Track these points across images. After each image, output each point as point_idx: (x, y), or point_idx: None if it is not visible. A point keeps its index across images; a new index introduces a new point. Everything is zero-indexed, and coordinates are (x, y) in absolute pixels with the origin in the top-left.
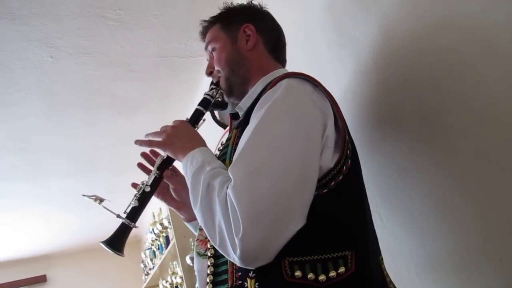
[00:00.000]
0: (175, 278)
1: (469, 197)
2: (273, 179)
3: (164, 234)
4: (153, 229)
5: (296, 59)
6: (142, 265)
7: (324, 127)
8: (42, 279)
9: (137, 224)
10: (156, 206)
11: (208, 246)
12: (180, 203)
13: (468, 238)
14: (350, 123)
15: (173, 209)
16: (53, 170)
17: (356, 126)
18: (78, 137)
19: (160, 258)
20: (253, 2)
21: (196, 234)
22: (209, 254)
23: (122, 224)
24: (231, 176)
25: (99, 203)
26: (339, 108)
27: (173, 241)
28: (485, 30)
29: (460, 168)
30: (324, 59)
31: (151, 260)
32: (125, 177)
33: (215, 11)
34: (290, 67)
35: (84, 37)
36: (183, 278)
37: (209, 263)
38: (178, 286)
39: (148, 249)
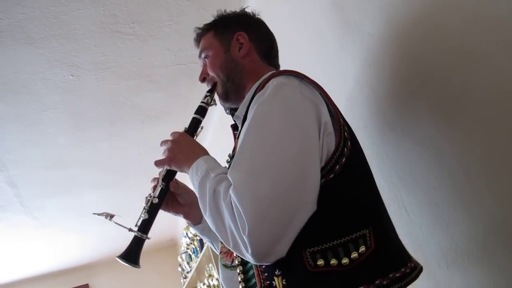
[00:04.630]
0: (212, 280)
1: (495, 187)
2: (273, 176)
3: (198, 238)
4: (187, 233)
5: (306, 57)
6: (179, 269)
7: (319, 115)
8: None
9: (149, 232)
10: None
11: (234, 255)
12: (187, 207)
13: (496, 229)
14: (368, 117)
15: (182, 217)
16: (85, 183)
17: (376, 120)
18: (106, 149)
19: (196, 261)
20: (246, 10)
21: (204, 239)
22: (237, 262)
23: (135, 237)
24: (230, 180)
25: (110, 219)
26: (328, 95)
27: (206, 244)
28: (497, 15)
29: (485, 157)
30: (335, 55)
31: (188, 263)
32: None
33: None
34: (300, 66)
35: (101, 53)
36: (220, 280)
37: (238, 271)
38: None
39: (184, 253)
